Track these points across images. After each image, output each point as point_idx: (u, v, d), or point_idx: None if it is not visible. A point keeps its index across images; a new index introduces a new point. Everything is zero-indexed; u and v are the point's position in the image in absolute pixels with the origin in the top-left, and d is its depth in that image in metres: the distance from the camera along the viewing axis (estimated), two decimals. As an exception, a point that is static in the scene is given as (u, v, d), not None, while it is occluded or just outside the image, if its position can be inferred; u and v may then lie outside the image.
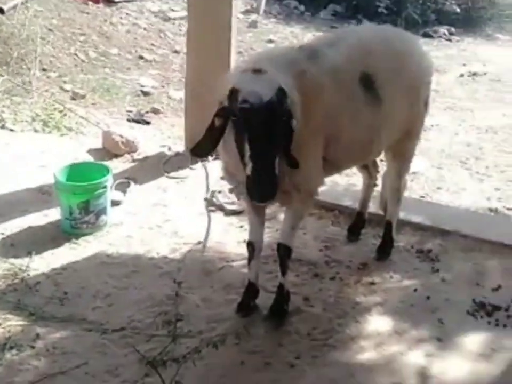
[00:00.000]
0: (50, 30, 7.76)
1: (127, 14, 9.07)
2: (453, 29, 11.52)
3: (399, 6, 11.70)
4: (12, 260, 3.75)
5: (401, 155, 3.85)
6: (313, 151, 3.15)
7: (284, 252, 3.33)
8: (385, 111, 3.38)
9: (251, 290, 3.44)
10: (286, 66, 3.02)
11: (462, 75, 9.20)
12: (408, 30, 11.43)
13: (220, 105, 2.85)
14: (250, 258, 3.42)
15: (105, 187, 4.03)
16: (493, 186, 5.42)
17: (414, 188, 5.30)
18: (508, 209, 5.00)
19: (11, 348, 3.10)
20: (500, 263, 3.95)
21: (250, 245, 3.41)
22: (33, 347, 3.13)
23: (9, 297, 3.45)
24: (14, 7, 7.41)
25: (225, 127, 2.86)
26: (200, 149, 3.04)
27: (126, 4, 9.20)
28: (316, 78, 3.10)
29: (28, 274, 3.64)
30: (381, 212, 4.13)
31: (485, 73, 9.26)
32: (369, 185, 4.12)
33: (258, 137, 2.74)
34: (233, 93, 2.78)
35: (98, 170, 4.15)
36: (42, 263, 3.76)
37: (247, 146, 2.74)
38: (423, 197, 5.12)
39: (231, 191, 3.69)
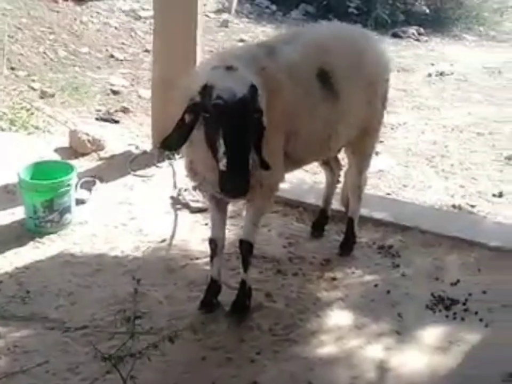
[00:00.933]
0: (19, 28, 7.69)
1: (97, 12, 9.01)
2: (421, 29, 11.62)
3: (369, 7, 11.81)
4: (-26, 259, 3.74)
5: (361, 152, 3.90)
6: (274, 147, 3.18)
7: (245, 248, 3.37)
8: (342, 107, 3.43)
9: (213, 287, 3.48)
10: (249, 63, 3.06)
11: (429, 75, 9.29)
12: (378, 30, 11.60)
13: (191, 101, 2.86)
14: (212, 255, 3.46)
15: (69, 185, 4.03)
16: (457, 183, 5.52)
17: (380, 186, 5.37)
18: (471, 206, 5.09)
19: (-29, 346, 3.10)
20: (458, 258, 4.04)
21: (212, 242, 3.45)
22: (-6, 346, 3.12)
23: (-31, 296, 3.44)
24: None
25: (195, 123, 2.88)
26: (170, 143, 3.05)
27: (96, 3, 9.12)
28: (275, 75, 3.14)
29: (-10, 273, 3.64)
30: (343, 209, 4.19)
31: (452, 73, 9.37)
32: (332, 182, 4.18)
33: (234, 133, 2.78)
34: (206, 89, 2.80)
35: (62, 169, 4.15)
36: (5, 262, 3.76)
37: (221, 142, 2.76)
38: (389, 194, 5.18)
39: (194, 188, 3.71)
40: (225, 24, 10.16)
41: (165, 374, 3.00)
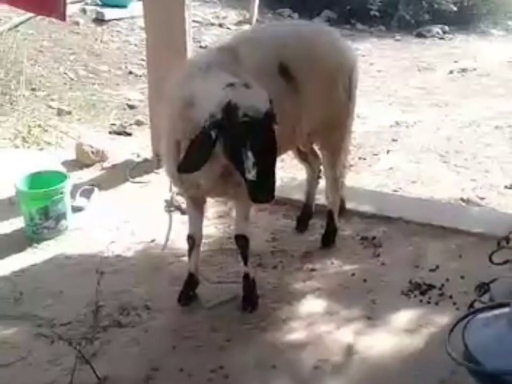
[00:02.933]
0: (40, 51, 8.08)
1: (118, 31, 9.36)
2: (446, 27, 11.61)
3: (392, 8, 11.84)
4: (-25, 266, 3.99)
5: (329, 146, 3.98)
6: None
7: (242, 242, 3.51)
8: (304, 101, 3.53)
9: (190, 280, 3.63)
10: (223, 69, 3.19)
11: (451, 72, 9.29)
12: (402, 31, 11.65)
13: (212, 118, 2.93)
14: (190, 250, 3.61)
15: (62, 193, 4.25)
16: (468, 177, 5.52)
17: (388, 183, 5.42)
18: (481, 198, 5.10)
19: (-38, 344, 3.33)
20: (441, 245, 4.07)
21: (190, 238, 3.60)
22: (-17, 343, 3.35)
23: (-34, 298, 3.68)
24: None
25: (216, 140, 2.95)
26: (189, 165, 3.08)
27: (117, 22, 9.48)
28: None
29: (-13, 277, 3.88)
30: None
31: (475, 69, 9.34)
32: (312, 177, 4.28)
33: (263, 145, 2.90)
34: (231, 107, 2.90)
35: (57, 178, 4.37)
36: (2, 267, 3.98)
37: (248, 154, 2.86)
38: (396, 191, 5.23)
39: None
40: (245, 35, 10.35)
41: (136, 362, 3.16)
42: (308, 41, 3.69)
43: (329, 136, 3.89)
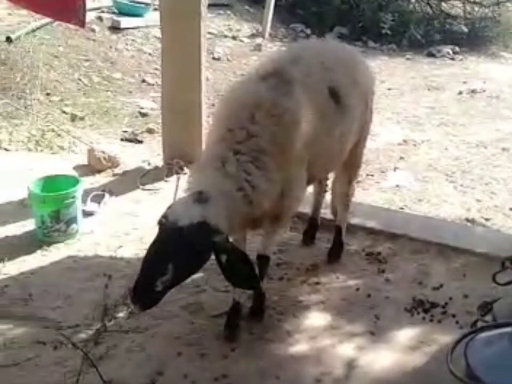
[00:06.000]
0: (56, 56, 8.18)
1: (133, 40, 9.46)
2: (457, 48, 11.67)
3: (403, 27, 11.92)
4: (-15, 266, 4.05)
5: (352, 163, 4.03)
6: (299, 178, 3.32)
7: (264, 262, 3.51)
8: (348, 121, 3.58)
9: (236, 310, 3.55)
10: None
11: (460, 92, 9.32)
12: (413, 50, 11.72)
13: None
14: None
15: (74, 197, 4.33)
16: (474, 198, 5.57)
17: (394, 200, 5.48)
18: (486, 219, 5.14)
19: (-28, 342, 3.39)
20: (444, 264, 4.12)
21: None
22: (-8, 342, 3.40)
23: (-23, 298, 3.74)
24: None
25: None
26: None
27: (132, 31, 9.58)
28: (295, 113, 3.19)
29: (-2, 278, 3.94)
30: (332, 217, 4.33)
31: (484, 91, 9.37)
32: (319, 191, 4.34)
33: None
34: None
35: (69, 182, 4.45)
36: (13, 268, 4.06)
37: None
38: (402, 208, 5.28)
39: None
40: (258, 48, 10.46)
41: (141, 367, 3.21)
42: (349, 65, 3.74)
43: (354, 154, 3.93)
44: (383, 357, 3.31)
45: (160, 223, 2.89)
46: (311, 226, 4.37)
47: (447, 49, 11.61)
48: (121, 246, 4.24)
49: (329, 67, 3.56)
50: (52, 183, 4.47)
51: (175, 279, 2.88)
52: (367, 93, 3.88)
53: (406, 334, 3.49)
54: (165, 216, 2.88)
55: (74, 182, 4.47)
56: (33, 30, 8.21)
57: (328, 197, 4.51)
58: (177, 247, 2.81)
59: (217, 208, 2.90)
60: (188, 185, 3.15)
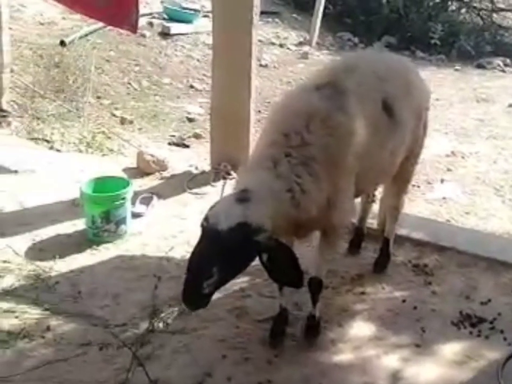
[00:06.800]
0: (107, 60, 8.34)
1: (182, 46, 9.58)
2: (508, 60, 11.47)
3: (453, 38, 11.80)
4: (38, 263, 4.15)
5: (403, 177, 3.98)
6: (347, 189, 3.27)
7: (317, 285, 3.42)
8: (400, 135, 3.55)
9: (282, 316, 3.56)
10: None
11: (510, 105, 9.16)
12: (462, 61, 11.58)
13: None
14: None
15: (124, 198, 4.41)
16: (523, 213, 5.48)
17: (441, 212, 5.44)
18: (533, 235, 5.06)
19: (24, 337, 3.48)
20: (493, 278, 4.07)
21: None
22: (43, 337, 3.49)
23: (29, 294, 3.82)
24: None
25: None
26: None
27: (181, 37, 9.71)
28: (349, 126, 3.19)
29: (49, 276, 4.03)
30: (378, 228, 4.32)
31: (536, 104, 9.22)
32: (367, 201, 4.32)
33: None
34: None
35: (120, 184, 4.54)
36: (63, 266, 4.15)
37: None
38: (448, 221, 5.23)
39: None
40: (305, 56, 10.48)
41: (187, 368, 3.26)
42: (403, 77, 3.70)
43: (405, 168, 3.89)
44: (428, 370, 3.29)
45: (201, 225, 2.89)
46: (357, 236, 4.36)
47: (498, 61, 11.43)
48: (172, 248, 4.30)
49: (384, 78, 3.53)
50: (102, 184, 4.56)
51: (222, 280, 2.87)
52: (421, 107, 3.83)
53: (452, 348, 3.46)
54: (206, 218, 2.88)
55: (124, 183, 4.56)
56: (86, 35, 8.41)
57: (375, 206, 4.50)
58: (219, 251, 2.79)
59: (261, 206, 2.86)
60: (236, 184, 3.16)
